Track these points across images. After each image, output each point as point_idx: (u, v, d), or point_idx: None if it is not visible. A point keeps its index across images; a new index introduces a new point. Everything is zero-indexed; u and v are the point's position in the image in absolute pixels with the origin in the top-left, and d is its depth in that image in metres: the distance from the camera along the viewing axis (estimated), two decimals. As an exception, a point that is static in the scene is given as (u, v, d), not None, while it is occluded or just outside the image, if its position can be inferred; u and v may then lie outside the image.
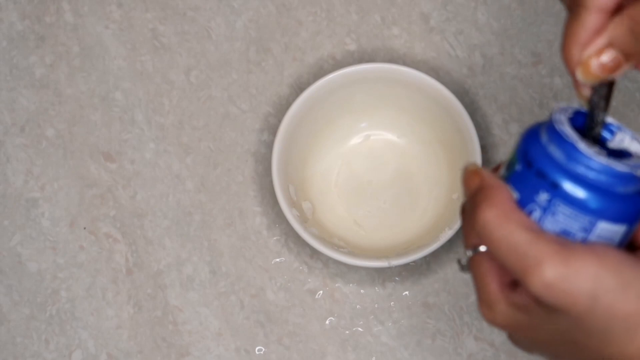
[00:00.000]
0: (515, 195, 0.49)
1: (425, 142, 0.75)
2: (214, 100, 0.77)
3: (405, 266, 0.73)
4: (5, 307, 0.74)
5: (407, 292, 0.73)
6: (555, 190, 0.48)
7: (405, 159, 0.75)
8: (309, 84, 0.75)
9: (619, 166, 0.48)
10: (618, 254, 0.47)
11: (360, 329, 0.73)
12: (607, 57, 0.50)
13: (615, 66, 0.50)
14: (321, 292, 0.73)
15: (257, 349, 0.73)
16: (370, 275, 0.74)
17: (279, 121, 0.75)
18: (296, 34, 0.78)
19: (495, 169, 0.52)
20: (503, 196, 0.49)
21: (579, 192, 0.48)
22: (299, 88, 0.77)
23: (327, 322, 0.73)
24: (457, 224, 0.68)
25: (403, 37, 0.77)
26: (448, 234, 0.68)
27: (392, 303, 0.73)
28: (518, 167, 0.49)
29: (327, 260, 0.74)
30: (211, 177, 0.76)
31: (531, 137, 0.50)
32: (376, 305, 0.73)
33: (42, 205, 0.75)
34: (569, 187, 0.48)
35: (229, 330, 0.73)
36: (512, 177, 0.50)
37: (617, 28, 0.50)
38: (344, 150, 0.75)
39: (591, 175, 0.48)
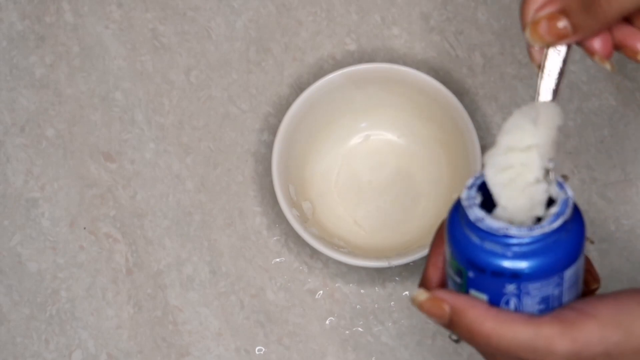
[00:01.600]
0: (485, 297, 0.50)
1: (425, 142, 0.75)
2: (214, 100, 0.77)
3: (405, 266, 0.73)
4: (5, 307, 0.74)
5: (407, 292, 0.73)
6: (518, 278, 0.49)
7: (405, 159, 0.75)
8: (309, 84, 0.75)
9: (557, 223, 0.48)
10: (606, 305, 0.50)
11: (360, 329, 0.73)
12: (555, 23, 0.50)
13: (562, 34, 0.51)
14: (321, 292, 0.74)
15: (257, 349, 0.73)
16: (370, 275, 0.74)
17: (279, 121, 0.75)
18: (296, 34, 0.78)
19: (433, 256, 0.54)
20: (483, 309, 0.50)
21: (539, 266, 0.49)
22: (299, 88, 0.77)
23: (327, 322, 0.73)
24: None
25: (403, 37, 0.77)
26: None
27: (392, 303, 0.73)
28: (470, 274, 0.50)
29: (327, 260, 0.74)
30: (211, 177, 0.76)
31: (463, 241, 0.50)
32: (376, 305, 0.73)
33: (42, 205, 0.75)
34: (528, 268, 0.49)
35: (229, 330, 0.73)
36: (471, 284, 0.50)
37: None
38: (344, 150, 0.75)
39: (539, 246, 0.49)
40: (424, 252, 0.68)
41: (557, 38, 0.51)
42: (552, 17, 0.51)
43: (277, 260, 0.74)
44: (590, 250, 0.73)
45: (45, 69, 0.78)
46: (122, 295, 0.74)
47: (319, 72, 0.77)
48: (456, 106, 0.71)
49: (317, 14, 0.78)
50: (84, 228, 0.75)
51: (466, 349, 0.72)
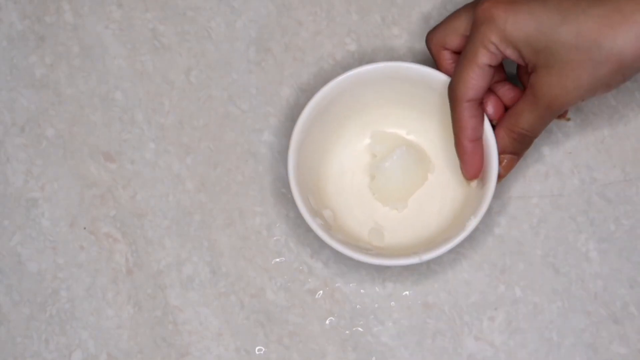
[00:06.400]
0: None
1: (434, 138, 0.74)
2: (214, 100, 0.77)
3: (405, 266, 0.73)
4: (5, 307, 0.74)
5: (407, 292, 0.73)
6: None
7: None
8: (309, 84, 0.75)
9: None
10: None
11: (360, 329, 0.73)
12: (505, 162, 0.70)
13: (512, 165, 0.70)
14: (321, 292, 0.74)
15: (257, 349, 0.73)
16: (370, 275, 0.74)
17: (279, 121, 0.75)
18: (296, 34, 0.78)
19: None
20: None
21: None
22: (299, 88, 0.77)
23: (327, 322, 0.73)
24: (481, 212, 0.68)
25: (403, 37, 0.77)
26: (473, 222, 0.68)
27: (392, 303, 0.73)
28: None
29: (327, 260, 0.74)
30: (211, 177, 0.76)
31: None
32: (376, 305, 0.73)
33: (42, 205, 0.75)
34: None
35: (229, 330, 0.73)
36: None
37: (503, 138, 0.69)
38: (356, 153, 0.75)
39: None
40: (453, 243, 0.68)
41: (511, 168, 0.70)
42: (500, 161, 0.69)
43: (277, 260, 0.74)
44: (590, 249, 0.73)
45: (45, 69, 0.78)
46: (122, 295, 0.74)
47: (319, 72, 0.77)
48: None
49: (317, 14, 0.78)
50: (84, 228, 0.75)
51: (466, 349, 0.72)
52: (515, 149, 0.69)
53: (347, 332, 0.73)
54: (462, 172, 0.70)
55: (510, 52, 0.65)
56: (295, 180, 0.70)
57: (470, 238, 0.73)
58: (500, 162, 0.69)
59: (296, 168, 0.70)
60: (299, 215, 0.74)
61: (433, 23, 0.77)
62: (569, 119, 0.75)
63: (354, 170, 0.75)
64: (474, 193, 0.71)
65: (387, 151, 0.73)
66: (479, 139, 0.69)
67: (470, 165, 0.69)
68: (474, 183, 0.71)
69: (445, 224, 0.72)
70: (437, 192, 0.74)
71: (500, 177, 0.69)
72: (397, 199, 0.73)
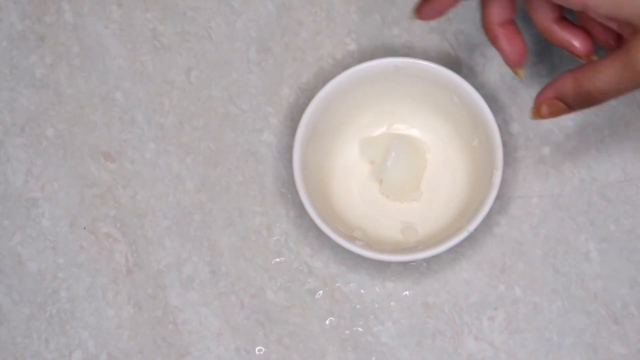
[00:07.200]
0: None
1: (412, 119, 0.74)
2: (214, 100, 0.77)
3: (405, 266, 0.73)
4: (5, 307, 0.74)
5: (407, 292, 0.73)
6: None
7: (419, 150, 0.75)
8: (309, 84, 0.75)
9: None
10: None
11: (360, 329, 0.73)
12: (554, 106, 0.63)
13: (559, 113, 0.63)
14: (321, 292, 0.74)
15: (257, 349, 0.73)
16: (370, 275, 0.74)
17: (279, 121, 0.75)
18: (296, 34, 0.78)
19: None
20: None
21: None
22: (299, 88, 0.77)
23: (327, 322, 0.73)
24: (499, 162, 0.68)
25: (403, 37, 0.77)
26: (498, 175, 0.68)
27: (392, 303, 0.73)
28: None
29: (327, 260, 0.74)
30: (211, 177, 0.76)
31: None
32: (376, 305, 0.73)
33: (42, 205, 0.75)
34: None
35: (229, 330, 0.73)
36: None
37: (564, 85, 0.62)
38: (353, 167, 0.75)
39: None
40: (487, 205, 0.68)
41: (556, 116, 0.63)
42: (551, 103, 0.63)
43: (277, 260, 0.74)
44: (590, 249, 0.73)
45: (45, 69, 0.78)
46: (122, 295, 0.74)
47: (319, 72, 0.77)
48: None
49: (317, 14, 0.78)
50: (84, 228, 0.75)
51: (466, 349, 0.72)
52: (573, 105, 0.63)
53: (347, 332, 0.73)
54: (505, 61, 0.66)
55: (608, 11, 0.60)
56: (320, 218, 0.69)
57: (470, 238, 0.73)
58: (548, 105, 0.64)
59: (315, 208, 0.69)
60: (299, 215, 0.74)
61: (433, 23, 0.77)
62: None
63: (359, 184, 0.74)
64: (478, 153, 0.71)
65: (382, 152, 0.73)
66: (508, 23, 0.66)
67: (507, 50, 0.66)
68: (476, 142, 0.71)
69: (466, 191, 0.72)
70: (442, 168, 0.74)
71: (541, 116, 0.64)
72: (412, 190, 0.73)
